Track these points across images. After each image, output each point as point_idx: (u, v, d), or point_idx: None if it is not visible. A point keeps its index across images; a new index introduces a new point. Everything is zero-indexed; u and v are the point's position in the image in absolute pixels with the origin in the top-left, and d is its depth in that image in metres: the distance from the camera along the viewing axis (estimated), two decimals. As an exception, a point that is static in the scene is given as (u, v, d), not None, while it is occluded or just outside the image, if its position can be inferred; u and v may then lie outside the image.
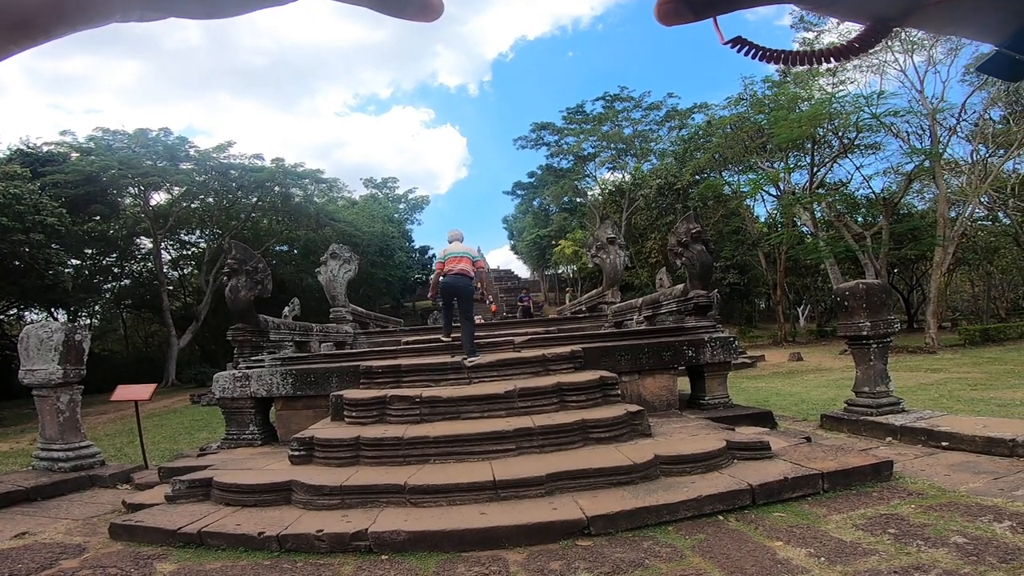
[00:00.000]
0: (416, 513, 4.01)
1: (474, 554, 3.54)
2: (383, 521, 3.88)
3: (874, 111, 21.44)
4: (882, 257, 22.47)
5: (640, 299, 10.17)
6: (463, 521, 3.80)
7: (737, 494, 4.09)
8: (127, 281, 31.01)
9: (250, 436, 6.88)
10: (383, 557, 3.59)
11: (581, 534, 3.70)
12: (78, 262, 26.74)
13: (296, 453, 5.04)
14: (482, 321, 17.43)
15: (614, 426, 5.09)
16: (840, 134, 23.97)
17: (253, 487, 4.52)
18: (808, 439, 5.68)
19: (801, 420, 7.69)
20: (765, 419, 6.84)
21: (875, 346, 6.57)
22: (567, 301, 26.76)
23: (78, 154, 24.63)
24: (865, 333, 6.48)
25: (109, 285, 30.33)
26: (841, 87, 24.55)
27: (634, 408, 5.33)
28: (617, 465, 4.37)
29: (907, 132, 23.39)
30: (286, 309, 12.92)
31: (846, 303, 6.71)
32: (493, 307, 30.58)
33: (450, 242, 7.57)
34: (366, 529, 3.73)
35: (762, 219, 33.32)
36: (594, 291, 15.16)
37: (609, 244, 12.32)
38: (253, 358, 6.96)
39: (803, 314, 38.62)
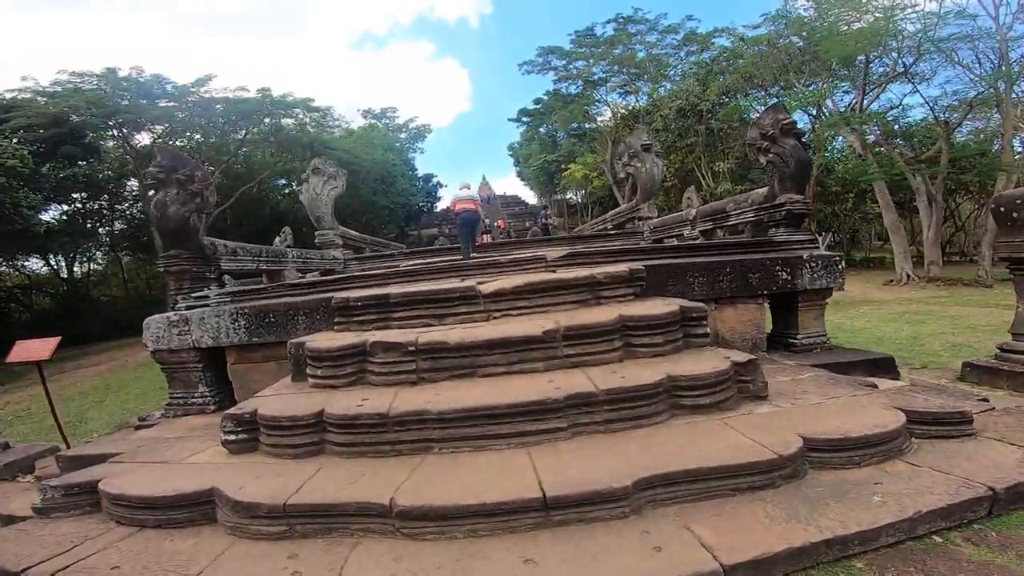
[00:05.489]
0: (412, 552, 2.31)
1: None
2: (354, 570, 2.19)
3: (938, 34, 18.65)
4: (939, 181, 20.12)
5: (694, 209, 8.23)
6: (495, 577, 2.09)
7: (970, 504, 2.36)
8: (122, 225, 29.54)
9: (200, 400, 5.20)
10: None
11: (718, 604, 2.00)
12: (66, 207, 25.69)
13: (231, 437, 3.32)
14: (490, 240, 16.73)
15: (716, 386, 3.30)
16: (900, 54, 20.98)
17: (155, 500, 2.82)
18: (985, 400, 3.91)
19: (920, 368, 5.90)
20: (886, 366, 5.04)
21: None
22: (566, 227, 24.87)
23: (44, 99, 22.64)
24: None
25: (103, 229, 28.89)
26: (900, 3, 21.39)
27: (742, 357, 3.51)
28: (744, 461, 2.62)
29: (973, 60, 20.41)
30: (277, 239, 11.50)
31: (1014, 213, 4.78)
32: (501, 223, 29.97)
33: (460, 189, 10.22)
34: (318, 596, 2.03)
35: (793, 143, 30.49)
36: (623, 206, 13.20)
37: (644, 152, 10.25)
38: (194, 295, 5.17)
39: (823, 243, 36.55)
